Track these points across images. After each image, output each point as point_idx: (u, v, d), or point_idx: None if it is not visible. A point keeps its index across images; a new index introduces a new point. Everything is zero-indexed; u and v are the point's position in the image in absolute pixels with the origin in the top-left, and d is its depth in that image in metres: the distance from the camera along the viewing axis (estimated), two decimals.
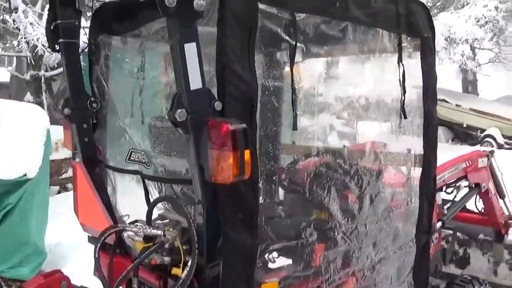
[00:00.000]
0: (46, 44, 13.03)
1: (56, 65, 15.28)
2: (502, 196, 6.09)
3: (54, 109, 15.36)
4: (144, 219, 3.33)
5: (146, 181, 3.50)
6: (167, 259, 3.00)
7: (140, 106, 3.89)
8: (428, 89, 4.09)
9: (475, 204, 5.89)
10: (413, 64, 4.02)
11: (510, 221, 6.13)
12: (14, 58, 20.62)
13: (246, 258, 2.87)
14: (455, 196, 5.44)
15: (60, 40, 3.70)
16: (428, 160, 4.15)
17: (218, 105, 2.70)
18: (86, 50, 3.95)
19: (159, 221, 3.49)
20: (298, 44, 3.14)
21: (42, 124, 6.89)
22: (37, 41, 13.15)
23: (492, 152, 5.97)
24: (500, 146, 19.25)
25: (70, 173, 11.47)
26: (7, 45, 19.91)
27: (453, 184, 5.36)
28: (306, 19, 3.20)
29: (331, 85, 4.29)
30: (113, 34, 3.86)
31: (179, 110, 2.62)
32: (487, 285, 5.27)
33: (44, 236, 7.03)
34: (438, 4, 25.51)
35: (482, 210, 5.97)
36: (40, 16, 14.44)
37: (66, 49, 3.74)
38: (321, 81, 4.10)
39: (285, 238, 3.36)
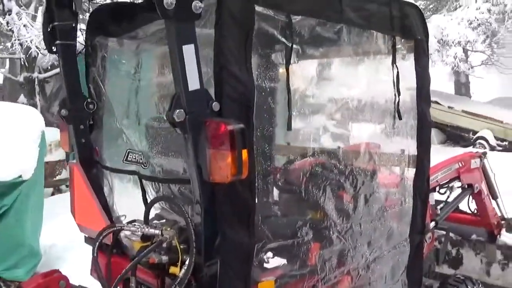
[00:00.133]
0: (40, 46, 13.14)
1: (49, 67, 15.29)
2: (494, 197, 6.13)
3: (47, 111, 15.36)
4: (141, 219, 3.37)
5: (144, 181, 3.53)
6: (165, 258, 3.02)
7: (137, 107, 3.92)
8: (421, 91, 4.13)
9: (468, 205, 5.93)
10: (407, 66, 4.06)
11: (502, 222, 6.18)
12: (8, 60, 20.58)
13: (243, 256, 2.90)
14: (448, 197, 5.48)
15: (57, 41, 3.73)
16: (421, 161, 4.19)
17: (215, 106, 2.73)
18: (83, 51, 3.97)
19: (156, 221, 3.52)
20: (294, 46, 3.17)
21: (37, 125, 6.90)
22: (31, 43, 13.17)
23: (484, 153, 6.02)
24: (492, 148, 19.35)
25: (64, 175, 11.53)
26: (1, 47, 19.86)
27: (446, 185, 5.40)
28: (302, 21, 3.22)
29: (325, 86, 4.32)
30: (109, 36, 3.89)
31: (178, 111, 2.65)
32: (480, 285, 5.30)
33: (39, 237, 7.04)
34: (431, 6, 25.69)
35: (475, 211, 6.00)
36: (33, 18, 14.46)
37: (63, 50, 3.76)
38: (315, 83, 4.12)
39: (281, 237, 3.39)
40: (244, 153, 2.63)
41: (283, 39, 3.15)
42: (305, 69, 4.02)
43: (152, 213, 3.41)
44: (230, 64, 2.75)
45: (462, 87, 28.17)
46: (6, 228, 6.35)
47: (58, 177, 11.68)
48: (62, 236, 7.54)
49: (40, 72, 15.36)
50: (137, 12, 3.56)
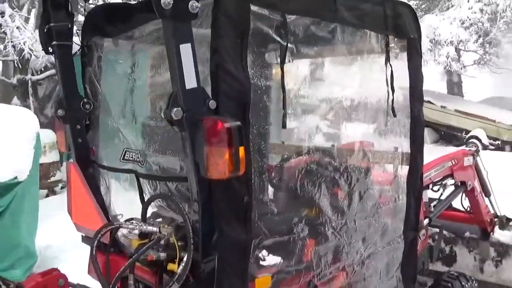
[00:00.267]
0: (33, 48, 13.13)
1: (42, 69, 15.26)
2: (487, 194, 6.19)
3: (40, 113, 15.32)
4: (138, 217, 3.40)
5: (141, 180, 3.56)
6: (163, 255, 3.06)
7: (133, 106, 3.95)
8: (414, 89, 4.17)
9: (461, 203, 5.98)
10: (400, 66, 4.10)
11: (495, 219, 6.23)
12: (1, 62, 20.54)
13: (241, 252, 2.93)
14: (441, 194, 5.53)
15: (54, 42, 3.76)
16: (415, 158, 4.24)
17: (212, 104, 2.77)
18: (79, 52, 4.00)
19: (152, 220, 3.55)
20: (289, 45, 3.20)
21: (32, 127, 6.89)
22: (24, 45, 13.13)
23: (477, 151, 6.07)
24: (485, 147, 19.39)
25: (58, 176, 11.51)
26: None
27: (440, 182, 5.45)
28: (297, 21, 3.27)
29: (319, 85, 4.36)
30: (105, 36, 3.92)
31: (175, 109, 2.68)
32: (474, 282, 5.35)
33: (35, 238, 7.05)
34: (423, 6, 25.75)
35: (468, 209, 6.05)
36: (26, 20, 14.44)
37: (59, 51, 3.80)
38: (309, 82, 4.16)
39: (277, 233, 3.43)
40: (241, 150, 2.67)
41: (278, 38, 3.19)
42: (300, 68, 4.06)
43: (149, 211, 3.45)
44: (227, 62, 2.79)
45: (455, 87, 28.25)
46: (2, 229, 6.33)
47: (52, 179, 11.65)
48: (57, 237, 7.55)
49: (33, 74, 15.32)
50: (133, 12, 3.60)
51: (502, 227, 6.25)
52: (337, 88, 4.26)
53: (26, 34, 13.11)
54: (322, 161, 3.98)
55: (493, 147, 20.29)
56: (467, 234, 6.21)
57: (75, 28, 3.95)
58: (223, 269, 2.89)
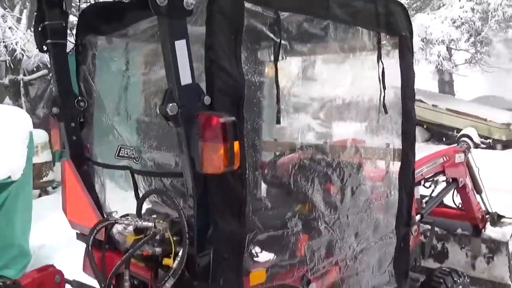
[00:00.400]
0: (25, 48, 13.11)
1: (34, 69, 15.23)
2: (479, 191, 6.22)
3: (32, 114, 15.28)
4: (133, 213, 3.43)
5: (136, 176, 3.59)
6: (158, 250, 3.08)
7: (128, 103, 3.97)
8: (406, 86, 4.21)
9: (452, 199, 6.02)
10: (392, 63, 4.14)
11: (487, 216, 6.26)
12: None
13: (235, 246, 2.97)
14: (432, 191, 5.56)
15: (48, 41, 3.79)
16: (406, 154, 4.28)
17: (207, 100, 2.80)
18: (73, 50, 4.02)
19: (147, 215, 3.57)
20: (282, 42, 3.24)
21: (25, 126, 6.89)
22: (16, 45, 13.10)
23: (468, 148, 6.11)
24: (476, 146, 19.46)
25: (50, 176, 11.49)
26: None
27: (431, 179, 5.48)
28: (290, 18, 3.31)
29: (311, 82, 4.39)
30: (100, 34, 3.94)
31: (171, 104, 2.72)
32: (466, 278, 5.39)
33: (29, 238, 7.05)
34: (414, 5, 25.78)
35: (460, 205, 6.09)
36: (18, 20, 14.39)
37: (54, 49, 3.82)
38: (302, 79, 4.19)
39: (271, 228, 3.46)
40: (236, 144, 2.71)
41: (272, 35, 3.22)
42: (293, 65, 4.09)
43: (144, 207, 3.47)
44: (221, 59, 2.83)
45: (446, 86, 28.29)
46: None
47: (44, 179, 11.61)
48: (51, 237, 7.55)
49: (25, 75, 15.28)
50: (127, 10, 3.61)
51: (494, 223, 6.29)
52: (330, 85, 4.30)
53: (18, 34, 13.06)
54: (314, 157, 4.01)
55: (484, 146, 20.38)
56: (458, 230, 6.23)
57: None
58: (218, 263, 2.92)
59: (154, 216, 3.44)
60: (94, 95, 3.99)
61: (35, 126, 7.78)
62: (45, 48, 3.83)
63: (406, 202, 4.31)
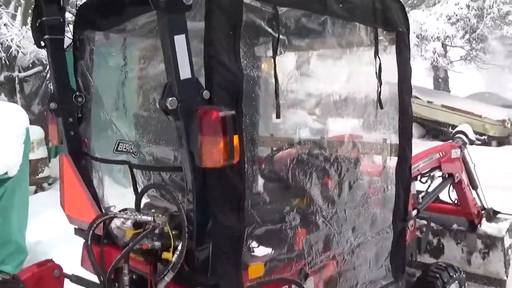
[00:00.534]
0: (20, 45, 13.08)
1: (30, 66, 15.19)
2: (474, 187, 6.25)
3: (27, 110, 15.25)
4: (132, 208, 3.44)
5: (134, 170, 3.59)
6: (157, 243, 3.09)
7: (127, 98, 3.98)
8: (403, 81, 4.22)
9: (448, 195, 6.04)
10: (389, 58, 4.15)
11: (482, 212, 6.29)
12: None
13: (234, 240, 2.97)
14: (428, 186, 5.58)
15: (46, 36, 3.79)
16: (403, 149, 4.29)
17: (206, 94, 2.81)
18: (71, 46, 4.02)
19: (146, 209, 3.58)
20: (280, 37, 3.25)
21: (22, 122, 6.89)
22: (11, 41, 13.07)
23: (464, 144, 6.14)
24: (471, 142, 19.54)
25: (46, 173, 11.47)
26: None
27: (428, 174, 5.51)
28: (288, 13, 3.32)
29: (308, 78, 4.41)
30: (97, 30, 3.94)
31: (170, 99, 2.72)
32: (462, 273, 5.41)
33: (25, 234, 7.04)
34: (410, 2, 25.81)
35: (456, 201, 6.11)
36: (13, 17, 14.34)
37: (52, 45, 3.83)
38: (298, 75, 4.21)
39: (269, 222, 3.48)
40: (235, 138, 2.71)
41: (270, 30, 3.24)
42: (291, 60, 4.11)
43: (142, 202, 3.48)
44: (220, 53, 2.83)
45: (441, 82, 28.34)
46: None
47: (40, 175, 11.58)
48: (47, 233, 7.56)
49: (20, 71, 15.24)
50: (125, 5, 3.61)
51: (489, 219, 6.31)
52: (327, 81, 4.32)
53: (13, 31, 13.03)
54: (312, 152, 4.03)
55: (479, 142, 20.47)
56: (454, 226, 6.25)
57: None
58: (217, 257, 2.92)
59: (153, 210, 3.46)
60: (92, 90, 4.00)
61: (31, 122, 7.76)
62: (42, 44, 3.83)
63: (403, 197, 4.33)
